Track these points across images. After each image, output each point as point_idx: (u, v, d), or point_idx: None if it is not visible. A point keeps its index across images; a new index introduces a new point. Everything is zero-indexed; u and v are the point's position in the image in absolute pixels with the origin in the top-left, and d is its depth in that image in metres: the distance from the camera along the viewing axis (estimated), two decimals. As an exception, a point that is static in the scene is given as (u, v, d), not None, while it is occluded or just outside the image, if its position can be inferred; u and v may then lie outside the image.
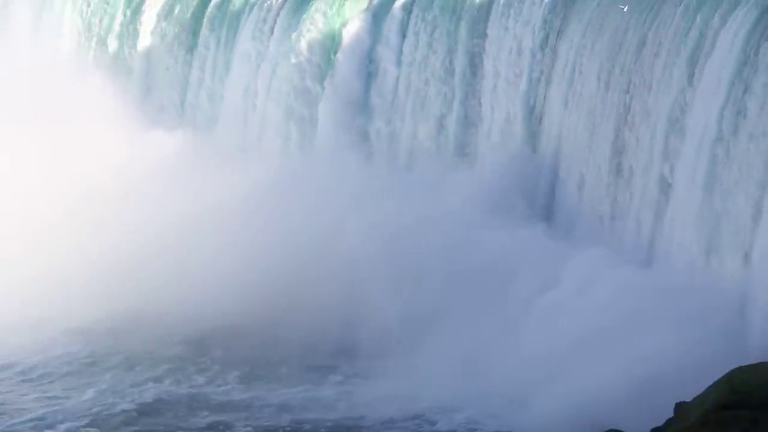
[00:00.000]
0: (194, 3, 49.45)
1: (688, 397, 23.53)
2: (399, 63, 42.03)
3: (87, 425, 29.90)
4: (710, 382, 23.25)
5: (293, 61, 44.42)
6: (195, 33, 48.96)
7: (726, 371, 23.11)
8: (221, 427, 29.75)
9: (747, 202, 28.39)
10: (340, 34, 43.78)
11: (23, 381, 33.03)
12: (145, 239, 38.21)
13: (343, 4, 44.17)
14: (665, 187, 31.43)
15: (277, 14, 45.76)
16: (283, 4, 45.83)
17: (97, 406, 30.93)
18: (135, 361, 33.99)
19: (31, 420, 30.31)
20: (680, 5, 32.28)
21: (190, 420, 30.20)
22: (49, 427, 29.82)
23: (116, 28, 51.77)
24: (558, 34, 37.13)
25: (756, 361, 23.39)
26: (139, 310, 35.93)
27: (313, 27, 44.32)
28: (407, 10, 42.24)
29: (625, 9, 33.80)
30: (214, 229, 37.80)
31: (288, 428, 29.73)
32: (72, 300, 36.68)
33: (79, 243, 38.96)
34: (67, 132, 44.74)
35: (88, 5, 52.91)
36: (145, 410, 30.66)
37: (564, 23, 37.03)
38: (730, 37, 29.83)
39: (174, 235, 37.94)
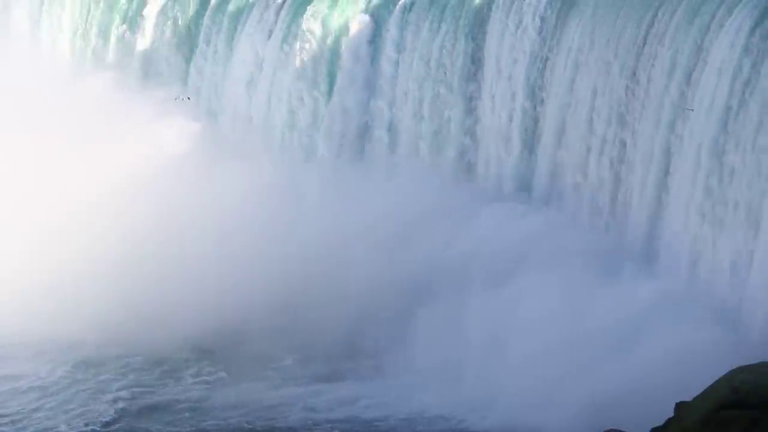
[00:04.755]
0: (195, 3, 49.50)
1: (688, 397, 23.52)
2: (399, 64, 42.06)
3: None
4: (710, 382, 23.27)
5: (294, 62, 44.43)
6: (195, 33, 49.01)
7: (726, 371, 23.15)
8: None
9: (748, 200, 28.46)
10: (340, 36, 43.79)
11: (18, 383, 33.10)
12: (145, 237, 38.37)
13: (343, 6, 44.16)
14: (665, 186, 31.52)
15: (277, 16, 45.76)
16: (283, 4, 45.82)
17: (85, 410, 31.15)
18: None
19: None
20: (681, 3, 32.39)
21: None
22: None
23: (116, 29, 51.82)
24: (558, 33, 37.16)
25: (756, 361, 23.39)
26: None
27: (313, 28, 44.32)
28: (407, 11, 42.25)
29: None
30: (211, 230, 37.95)
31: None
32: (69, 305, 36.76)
33: (81, 245, 38.99)
34: (68, 132, 44.78)
35: (89, 5, 52.97)
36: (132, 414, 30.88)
37: (564, 22, 37.06)
38: (733, 29, 29.88)
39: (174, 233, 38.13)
